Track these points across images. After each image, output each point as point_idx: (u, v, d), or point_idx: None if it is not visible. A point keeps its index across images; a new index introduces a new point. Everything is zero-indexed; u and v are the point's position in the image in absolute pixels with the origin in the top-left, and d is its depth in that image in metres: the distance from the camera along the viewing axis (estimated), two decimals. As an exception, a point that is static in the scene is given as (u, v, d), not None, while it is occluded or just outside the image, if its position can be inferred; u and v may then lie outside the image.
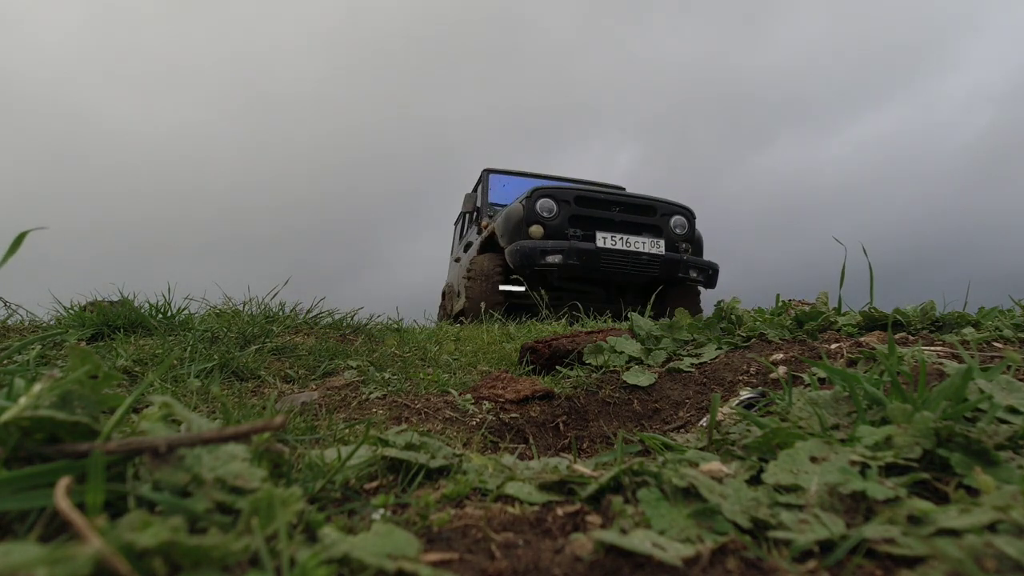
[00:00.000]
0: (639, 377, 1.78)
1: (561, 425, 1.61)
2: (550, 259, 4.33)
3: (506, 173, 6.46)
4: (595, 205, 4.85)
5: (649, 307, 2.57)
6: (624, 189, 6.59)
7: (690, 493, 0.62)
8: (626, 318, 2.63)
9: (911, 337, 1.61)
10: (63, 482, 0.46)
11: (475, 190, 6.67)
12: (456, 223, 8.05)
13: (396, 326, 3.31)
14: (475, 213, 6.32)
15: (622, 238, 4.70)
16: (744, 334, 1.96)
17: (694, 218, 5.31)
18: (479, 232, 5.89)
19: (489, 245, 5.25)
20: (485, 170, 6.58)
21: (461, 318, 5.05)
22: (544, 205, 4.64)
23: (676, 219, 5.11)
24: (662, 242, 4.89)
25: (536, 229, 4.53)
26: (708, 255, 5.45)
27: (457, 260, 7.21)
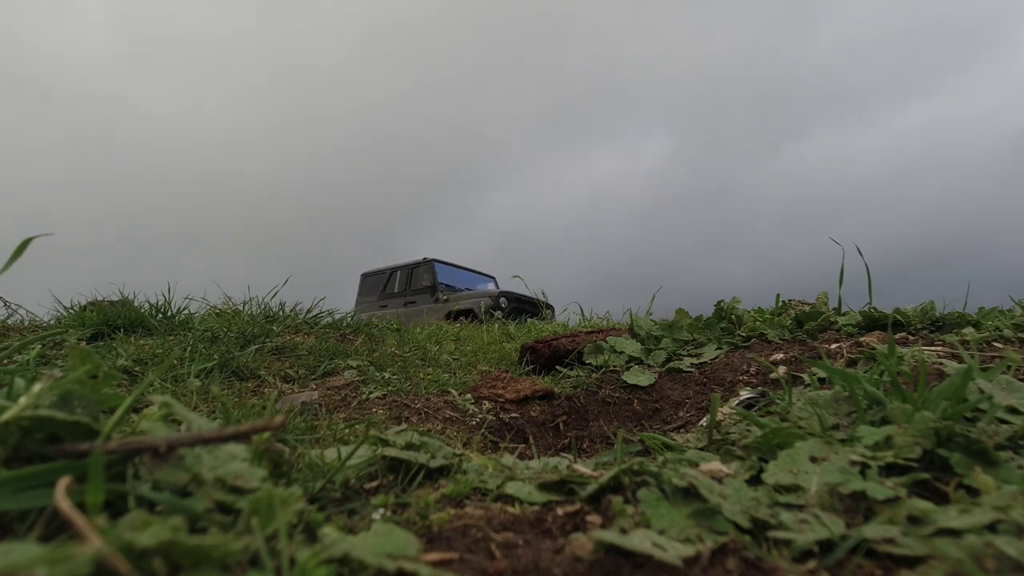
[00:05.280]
0: (639, 377, 1.78)
1: (561, 425, 1.61)
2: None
3: (444, 263, 10.51)
4: (521, 302, 9.43)
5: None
6: (495, 276, 11.45)
7: (690, 493, 0.63)
8: None
9: (911, 337, 1.61)
10: (63, 482, 0.46)
11: (416, 267, 10.52)
12: (365, 277, 11.56)
13: (396, 326, 3.31)
14: (432, 288, 10.10)
15: (533, 319, 9.11)
16: (744, 334, 1.96)
17: (553, 310, 9.47)
18: (436, 301, 9.80)
19: (462, 314, 8.61)
20: (431, 259, 10.34)
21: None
22: (503, 301, 9.12)
23: (548, 312, 9.43)
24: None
25: (499, 313, 8.55)
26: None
27: (384, 307, 10.64)
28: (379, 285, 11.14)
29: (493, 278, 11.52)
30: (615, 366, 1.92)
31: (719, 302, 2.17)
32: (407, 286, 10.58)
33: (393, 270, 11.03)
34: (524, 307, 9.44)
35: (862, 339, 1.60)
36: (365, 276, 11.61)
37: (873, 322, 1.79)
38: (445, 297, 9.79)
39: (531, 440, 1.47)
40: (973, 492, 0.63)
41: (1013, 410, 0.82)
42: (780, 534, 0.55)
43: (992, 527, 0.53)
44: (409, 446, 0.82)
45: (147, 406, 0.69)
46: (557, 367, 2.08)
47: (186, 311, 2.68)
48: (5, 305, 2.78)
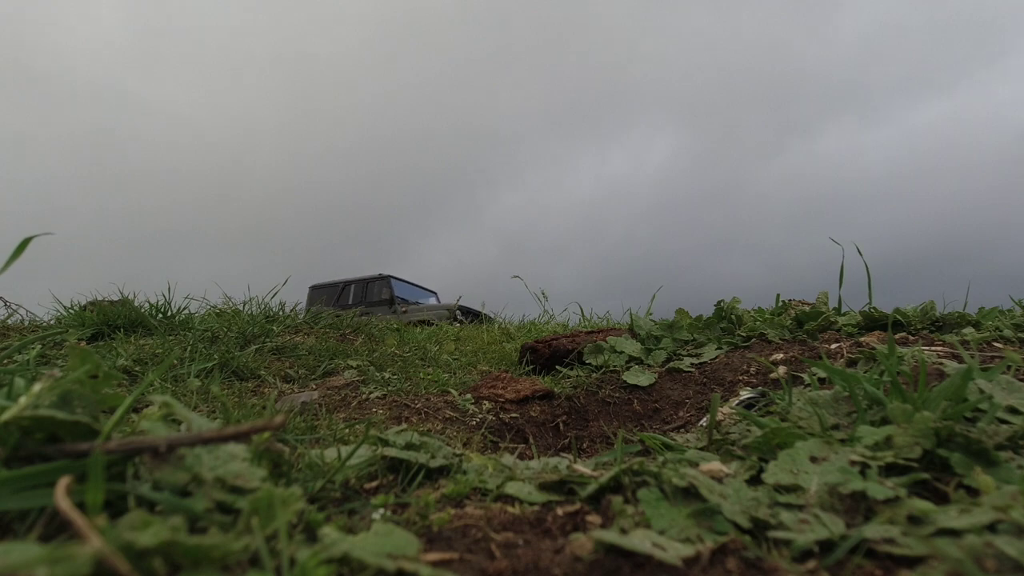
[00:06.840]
0: (639, 377, 1.78)
1: (561, 425, 1.61)
2: None
3: (397, 279, 11.62)
4: (467, 312, 9.84)
5: None
6: (436, 291, 12.69)
7: (690, 493, 0.63)
8: None
9: (911, 337, 1.61)
10: (63, 481, 0.46)
11: (372, 281, 11.62)
12: (314, 289, 12.26)
13: (396, 325, 3.31)
14: (390, 301, 11.17)
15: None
16: (744, 334, 1.96)
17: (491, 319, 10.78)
18: (395, 313, 10.56)
19: (420, 323, 10.31)
20: (389, 276, 11.48)
21: None
22: (457, 312, 9.46)
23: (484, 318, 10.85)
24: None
25: (453, 321, 8.70)
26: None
27: (337, 317, 11.30)
28: (331, 297, 12.07)
29: (435, 293, 12.95)
30: (615, 366, 1.92)
31: (719, 302, 2.17)
32: (363, 298, 11.58)
33: (347, 283, 12.07)
34: (474, 321, 10.41)
35: (862, 339, 1.60)
36: (314, 288, 12.43)
37: (873, 322, 1.79)
38: (404, 309, 10.85)
39: (531, 440, 1.47)
40: (973, 492, 0.63)
41: (1013, 410, 0.82)
42: (780, 534, 0.55)
43: (992, 527, 0.53)
44: (409, 446, 0.82)
45: (147, 406, 0.69)
46: (557, 367, 2.08)
47: (186, 311, 2.68)
48: (5, 305, 2.78)
